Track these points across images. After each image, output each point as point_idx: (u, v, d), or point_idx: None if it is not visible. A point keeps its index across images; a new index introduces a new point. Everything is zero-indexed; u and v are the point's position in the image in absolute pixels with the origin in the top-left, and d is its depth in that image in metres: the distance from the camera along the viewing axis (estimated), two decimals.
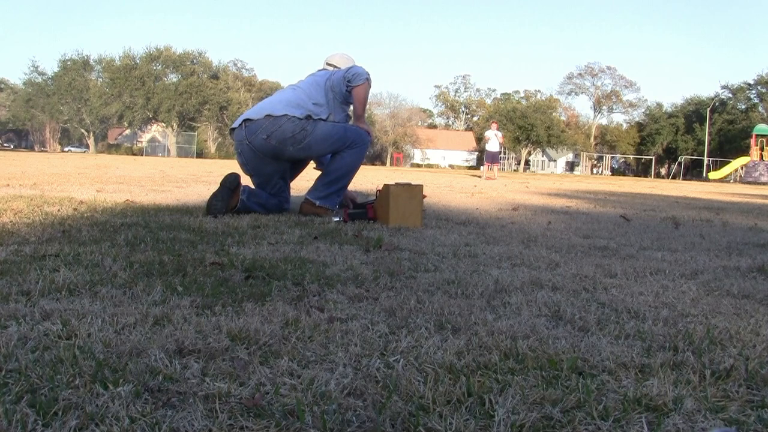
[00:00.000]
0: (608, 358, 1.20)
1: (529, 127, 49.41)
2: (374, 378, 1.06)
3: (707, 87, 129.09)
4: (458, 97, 79.29)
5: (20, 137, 69.23)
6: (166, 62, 51.78)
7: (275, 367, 1.09)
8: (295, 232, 2.86)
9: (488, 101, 76.25)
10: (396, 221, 3.30)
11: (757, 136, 32.99)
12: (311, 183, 3.82)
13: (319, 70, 3.91)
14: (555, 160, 64.90)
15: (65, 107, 51.23)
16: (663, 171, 55.06)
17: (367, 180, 9.95)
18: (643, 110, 61.89)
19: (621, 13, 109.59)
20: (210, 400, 0.95)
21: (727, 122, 51.39)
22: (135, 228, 2.74)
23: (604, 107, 63.90)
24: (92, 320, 1.30)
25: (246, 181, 3.63)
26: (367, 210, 3.50)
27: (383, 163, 59.74)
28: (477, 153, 60.91)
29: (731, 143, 49.35)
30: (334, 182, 3.71)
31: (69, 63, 50.43)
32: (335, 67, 3.91)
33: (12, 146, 64.97)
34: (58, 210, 3.33)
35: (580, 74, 63.99)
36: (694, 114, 53.62)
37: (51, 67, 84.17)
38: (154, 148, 56.79)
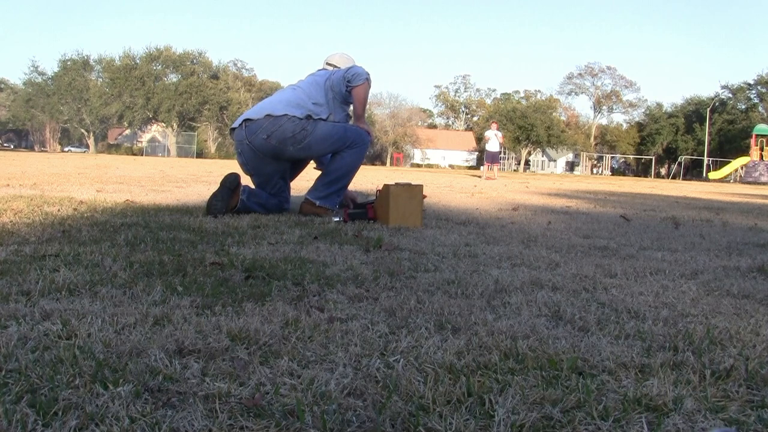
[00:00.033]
0: (608, 358, 1.20)
1: (529, 127, 49.41)
2: (374, 378, 1.06)
3: (707, 87, 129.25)
4: (458, 97, 79.32)
5: (20, 137, 69.23)
6: (166, 62, 51.78)
7: (275, 367, 1.09)
8: (295, 232, 2.86)
9: (488, 101, 76.27)
10: (396, 221, 3.30)
11: (757, 136, 32.99)
12: (311, 183, 3.82)
13: (319, 70, 3.91)
14: (555, 160, 64.90)
15: (65, 107, 51.24)
16: (663, 171, 55.05)
17: (367, 180, 9.95)
18: (643, 110, 61.94)
19: (621, 13, 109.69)
20: (210, 400, 0.95)
21: (727, 122, 51.39)
22: (135, 228, 2.74)
23: (604, 107, 63.91)
24: (92, 320, 1.30)
25: (246, 181, 3.63)
26: (367, 210, 3.50)
27: (383, 163, 59.74)
28: (477, 153, 60.91)
29: (731, 143, 49.35)
30: (334, 182, 3.71)
31: (69, 63, 50.43)
32: (335, 66, 3.91)
33: (12, 146, 64.98)
34: (58, 210, 3.33)
35: (580, 74, 64.04)
36: (694, 114, 53.62)
37: (51, 67, 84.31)
38: (154, 148, 56.79)
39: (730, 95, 54.12)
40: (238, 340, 1.22)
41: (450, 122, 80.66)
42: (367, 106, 3.92)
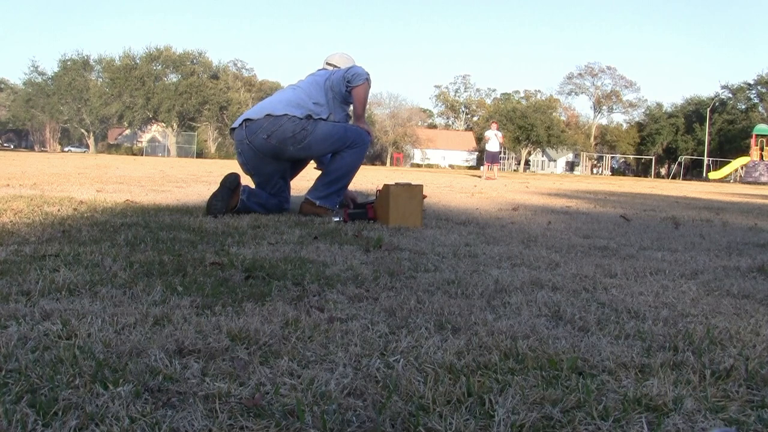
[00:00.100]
0: (608, 358, 1.20)
1: (529, 127, 49.41)
2: (374, 378, 1.06)
3: (707, 87, 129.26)
4: (458, 97, 79.32)
5: (20, 137, 69.23)
6: (166, 62, 51.78)
7: (275, 367, 1.09)
8: (295, 232, 2.86)
9: (488, 101, 76.26)
10: (396, 221, 3.30)
11: (757, 136, 32.99)
12: (311, 183, 3.82)
13: (319, 70, 3.91)
14: (555, 160, 64.90)
15: (65, 107, 51.24)
16: (663, 171, 55.05)
17: (367, 180, 9.95)
18: (643, 110, 61.95)
19: (621, 13, 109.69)
20: (210, 400, 0.95)
21: (727, 122, 51.39)
22: (135, 228, 2.74)
23: (604, 107, 63.91)
24: (92, 320, 1.30)
25: (246, 181, 3.63)
26: (367, 210, 3.50)
27: (383, 163, 59.74)
28: (477, 153, 60.91)
29: (731, 143, 49.35)
30: (334, 182, 3.71)
31: (69, 63, 50.43)
32: (335, 66, 3.91)
33: (12, 146, 64.97)
34: (58, 210, 3.33)
35: (580, 74, 64.05)
36: (694, 114, 53.62)
37: (51, 67, 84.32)
38: (154, 148, 56.80)
39: (730, 95, 54.12)
40: (238, 340, 1.22)
41: (450, 122, 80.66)
42: (367, 106, 3.92)
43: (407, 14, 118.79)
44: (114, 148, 53.46)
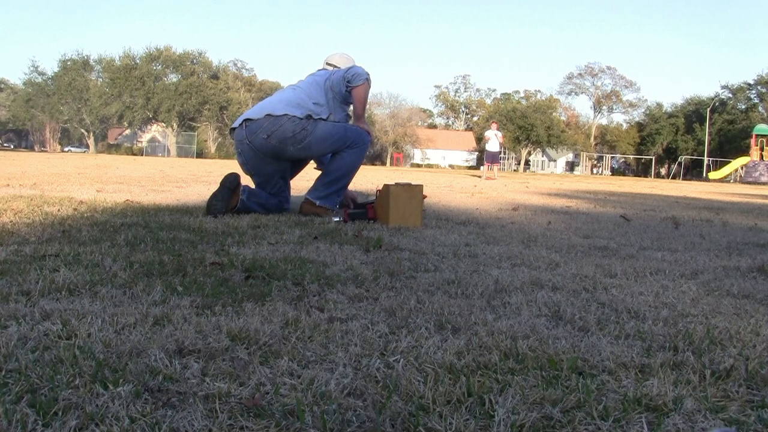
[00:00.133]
0: (608, 358, 1.20)
1: (529, 127, 49.41)
2: (374, 378, 1.06)
3: (707, 87, 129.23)
4: (458, 97, 79.32)
5: (20, 137, 69.23)
6: (166, 62, 51.78)
7: (275, 367, 1.09)
8: (295, 232, 2.86)
9: (488, 101, 76.26)
10: (396, 221, 3.30)
11: (757, 136, 33.00)
12: (311, 183, 3.82)
13: (319, 70, 3.91)
14: (555, 160, 64.90)
15: (65, 107, 51.24)
16: (663, 171, 55.05)
17: (367, 180, 9.95)
18: (643, 110, 61.95)
19: (621, 13, 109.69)
20: (210, 400, 0.95)
21: (727, 122, 51.39)
22: (135, 228, 2.74)
23: (604, 107, 63.92)
24: (92, 320, 1.30)
25: (246, 181, 3.63)
26: (367, 210, 3.50)
27: (383, 163, 59.74)
28: (477, 153, 60.91)
29: (731, 143, 49.35)
30: (334, 182, 3.72)
31: (69, 63, 50.43)
32: (335, 66, 3.91)
33: (12, 146, 64.98)
34: (58, 210, 3.33)
35: (580, 74, 64.04)
36: (694, 114, 53.62)
37: (51, 67, 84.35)
38: (154, 148, 56.80)
39: (730, 95, 54.12)
40: (238, 340, 1.22)
41: (450, 122, 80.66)
42: (367, 106, 3.92)
43: (407, 14, 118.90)
44: (114, 148, 53.46)
